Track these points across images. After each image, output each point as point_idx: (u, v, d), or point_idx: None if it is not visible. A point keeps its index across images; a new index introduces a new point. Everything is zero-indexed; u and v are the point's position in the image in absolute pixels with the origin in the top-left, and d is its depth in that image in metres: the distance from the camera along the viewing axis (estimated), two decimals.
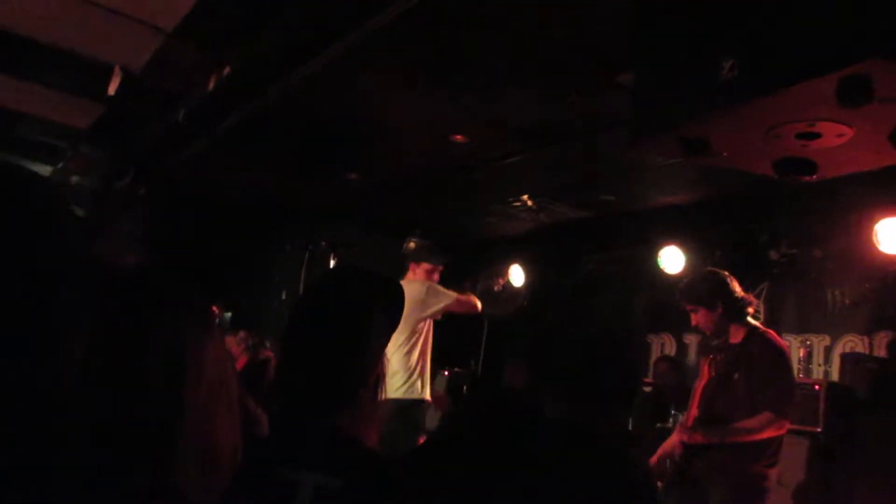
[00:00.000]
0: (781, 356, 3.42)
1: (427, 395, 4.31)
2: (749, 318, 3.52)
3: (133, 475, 0.95)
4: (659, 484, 3.58)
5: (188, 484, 0.99)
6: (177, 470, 0.98)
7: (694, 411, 3.63)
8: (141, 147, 5.55)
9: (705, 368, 3.71)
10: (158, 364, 1.01)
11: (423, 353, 4.30)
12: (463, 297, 4.47)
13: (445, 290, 4.38)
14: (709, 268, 3.90)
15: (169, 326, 1.03)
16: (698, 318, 3.53)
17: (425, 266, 4.41)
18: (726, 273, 3.58)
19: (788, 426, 3.40)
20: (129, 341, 1.01)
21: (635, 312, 6.31)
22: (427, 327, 4.34)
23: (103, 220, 5.79)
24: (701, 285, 3.56)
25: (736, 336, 3.50)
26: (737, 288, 3.51)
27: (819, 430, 4.14)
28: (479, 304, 4.60)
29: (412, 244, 4.48)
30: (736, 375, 3.38)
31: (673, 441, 3.53)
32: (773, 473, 3.40)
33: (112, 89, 4.34)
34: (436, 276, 4.46)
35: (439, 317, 4.41)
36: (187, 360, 1.04)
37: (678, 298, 3.64)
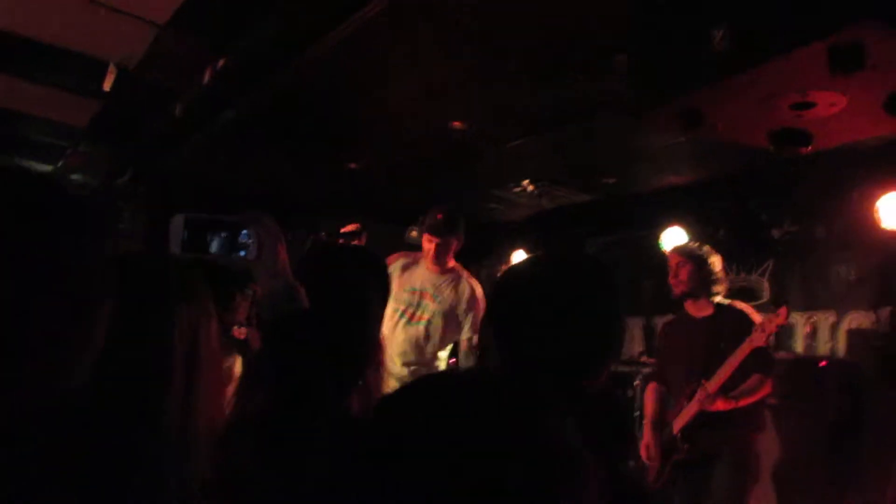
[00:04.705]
0: (753, 325, 3.62)
1: None
2: (715, 297, 3.79)
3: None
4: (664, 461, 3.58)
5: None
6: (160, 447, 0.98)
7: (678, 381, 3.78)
8: (139, 143, 5.54)
9: (673, 339, 3.97)
10: (179, 347, 1.03)
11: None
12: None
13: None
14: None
15: (185, 313, 1.05)
16: (683, 271, 3.79)
17: (426, 237, 4.20)
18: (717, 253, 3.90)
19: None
20: (147, 327, 1.02)
21: (642, 294, 6.28)
22: None
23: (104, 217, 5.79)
24: (695, 246, 3.96)
25: (702, 310, 3.77)
26: (719, 265, 3.83)
27: (826, 407, 4.14)
28: None
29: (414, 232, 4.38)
30: (722, 345, 3.56)
31: (691, 411, 3.58)
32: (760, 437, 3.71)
33: (107, 85, 4.34)
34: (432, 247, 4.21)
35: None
36: (199, 344, 1.06)
37: (671, 251, 4.05)
